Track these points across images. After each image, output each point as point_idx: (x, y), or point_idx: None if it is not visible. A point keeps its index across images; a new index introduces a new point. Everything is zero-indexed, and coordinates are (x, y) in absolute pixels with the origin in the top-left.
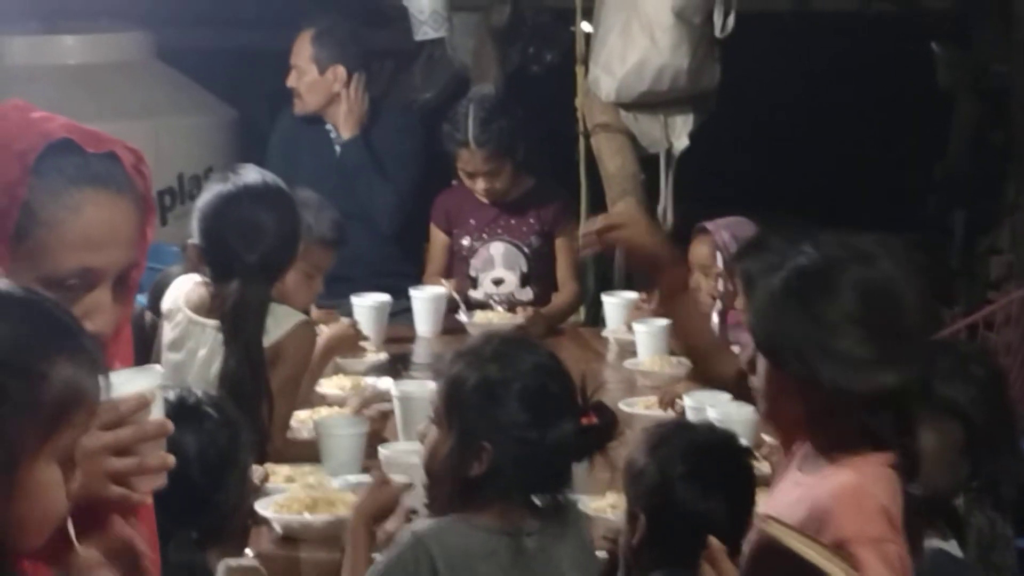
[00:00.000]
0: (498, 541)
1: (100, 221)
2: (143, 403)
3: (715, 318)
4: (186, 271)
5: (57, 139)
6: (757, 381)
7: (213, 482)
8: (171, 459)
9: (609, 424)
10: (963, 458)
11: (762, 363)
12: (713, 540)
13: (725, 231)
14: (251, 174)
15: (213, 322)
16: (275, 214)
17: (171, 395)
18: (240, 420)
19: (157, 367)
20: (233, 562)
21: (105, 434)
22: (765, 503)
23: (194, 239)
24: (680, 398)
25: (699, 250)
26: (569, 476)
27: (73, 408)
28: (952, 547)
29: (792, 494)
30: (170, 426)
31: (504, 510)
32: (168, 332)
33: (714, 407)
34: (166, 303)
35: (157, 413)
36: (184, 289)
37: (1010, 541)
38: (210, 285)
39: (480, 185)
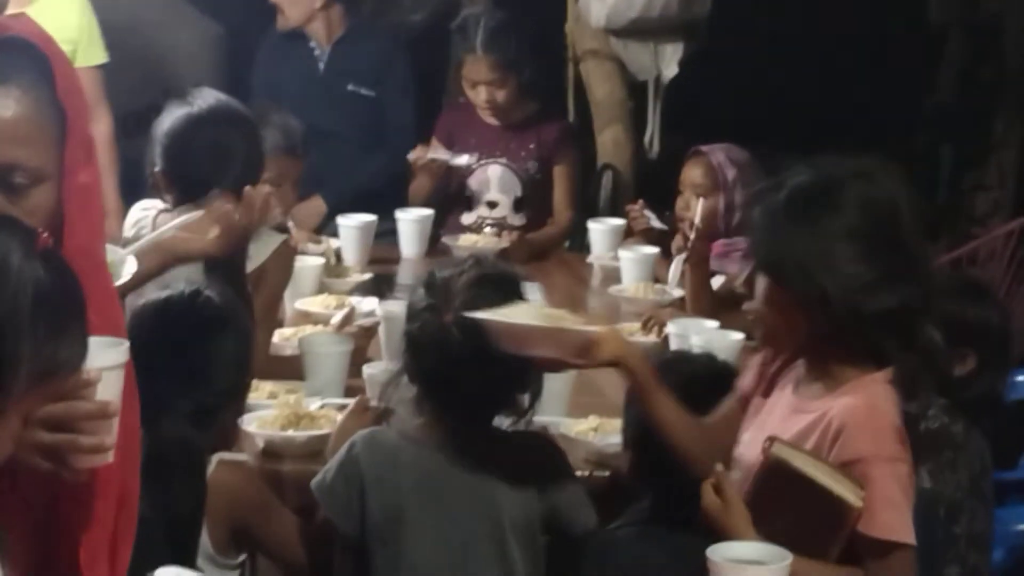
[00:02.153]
0: (422, 454)
1: None
2: (88, 381)
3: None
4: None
5: None
6: (757, 303)
7: (208, 362)
8: (108, 442)
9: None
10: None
11: (763, 284)
12: (718, 465)
13: (720, 152)
14: (210, 95)
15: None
16: (241, 134)
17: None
18: (237, 306)
19: (125, 345)
20: (225, 456)
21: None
22: (759, 428)
23: (158, 165)
24: (664, 324)
25: (692, 172)
26: (509, 402)
27: (55, 378)
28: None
29: (793, 420)
30: (112, 409)
31: (438, 425)
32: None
33: (698, 334)
34: (127, 231)
35: (107, 392)
36: (149, 217)
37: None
38: (176, 212)
39: (482, 96)
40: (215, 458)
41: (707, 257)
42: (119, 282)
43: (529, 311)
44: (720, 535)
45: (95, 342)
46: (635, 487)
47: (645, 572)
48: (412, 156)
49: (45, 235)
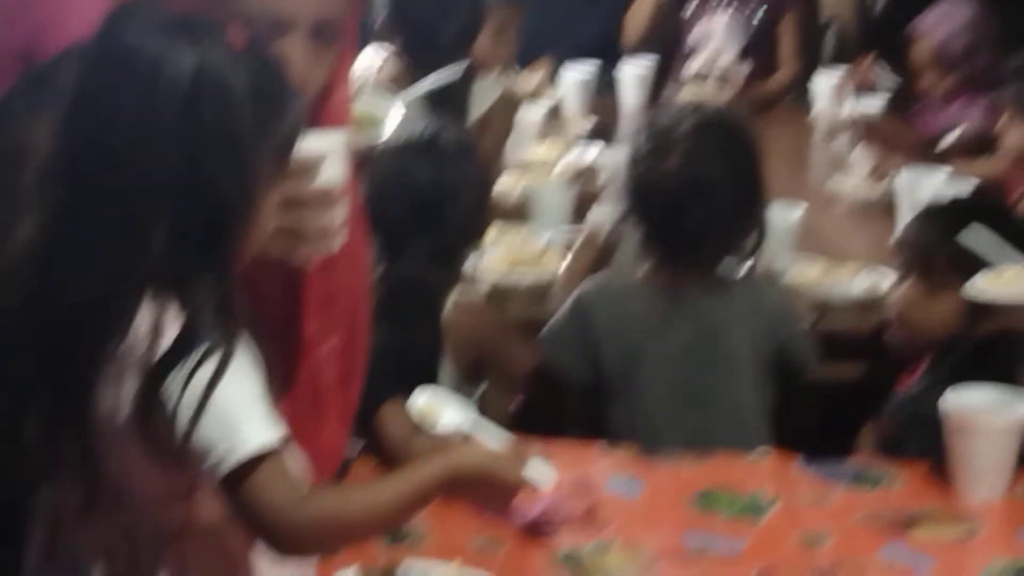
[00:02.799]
0: (651, 299)
1: None
2: (307, 165)
3: None
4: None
5: None
6: None
7: (450, 202)
8: (332, 227)
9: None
10: None
11: None
12: None
13: (940, 29)
14: None
15: (413, 97)
16: None
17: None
18: (475, 147)
19: (343, 132)
20: (461, 296)
21: None
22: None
23: (384, 11)
24: (893, 172)
25: (919, 54)
26: (734, 246)
27: (287, 157)
28: None
29: None
30: (333, 196)
31: (664, 270)
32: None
33: (929, 181)
34: (356, 73)
35: (328, 178)
36: (374, 63)
37: None
38: (405, 56)
39: None
40: (452, 297)
41: (886, 135)
42: (384, 137)
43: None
44: None
45: (312, 133)
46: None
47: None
48: None
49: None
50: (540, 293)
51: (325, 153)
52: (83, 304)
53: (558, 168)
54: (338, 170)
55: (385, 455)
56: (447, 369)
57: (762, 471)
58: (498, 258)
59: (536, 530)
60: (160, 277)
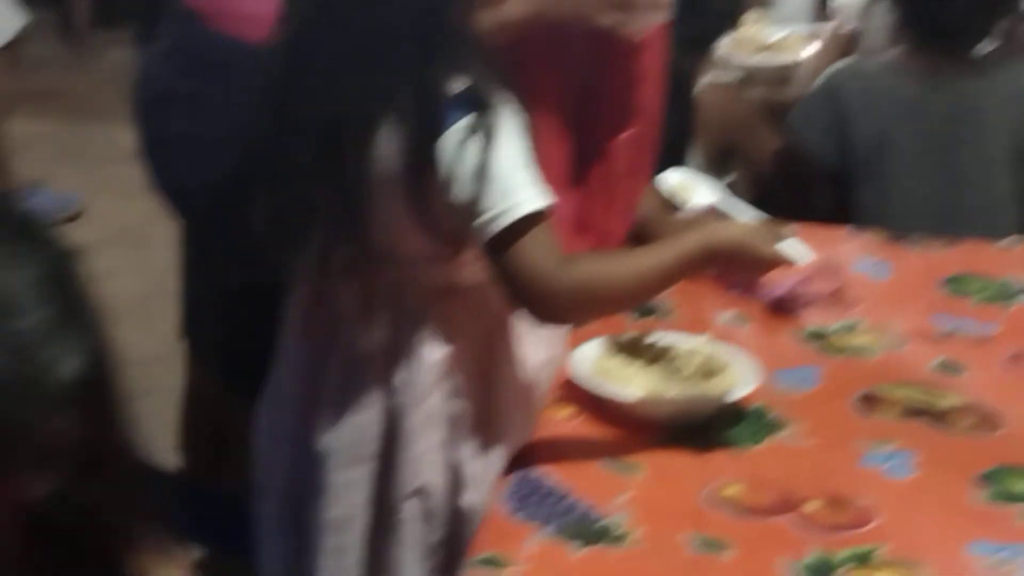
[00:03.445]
0: (905, 82)
1: None
2: None
3: None
4: None
5: None
6: None
7: None
8: (664, 1)
9: None
10: None
11: None
12: None
13: None
14: None
15: None
16: None
17: None
18: None
19: None
20: (713, 79)
21: None
22: None
23: None
24: None
25: None
26: (991, 28)
27: None
28: None
29: None
30: None
31: (920, 53)
32: None
33: None
34: None
35: None
36: None
37: None
38: None
39: None
40: (704, 80)
41: None
42: None
43: None
44: None
45: None
46: None
47: None
48: None
49: None
50: (785, 77)
51: None
52: (349, 92)
53: None
54: None
55: (633, 233)
56: (695, 155)
57: (1015, 258)
58: (742, 41)
59: (783, 308)
60: (415, 55)
